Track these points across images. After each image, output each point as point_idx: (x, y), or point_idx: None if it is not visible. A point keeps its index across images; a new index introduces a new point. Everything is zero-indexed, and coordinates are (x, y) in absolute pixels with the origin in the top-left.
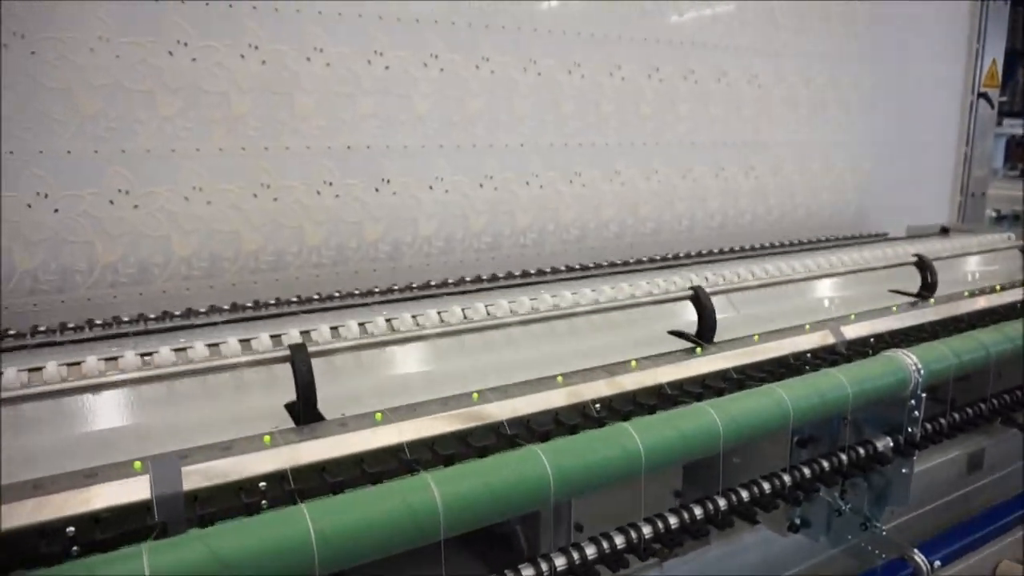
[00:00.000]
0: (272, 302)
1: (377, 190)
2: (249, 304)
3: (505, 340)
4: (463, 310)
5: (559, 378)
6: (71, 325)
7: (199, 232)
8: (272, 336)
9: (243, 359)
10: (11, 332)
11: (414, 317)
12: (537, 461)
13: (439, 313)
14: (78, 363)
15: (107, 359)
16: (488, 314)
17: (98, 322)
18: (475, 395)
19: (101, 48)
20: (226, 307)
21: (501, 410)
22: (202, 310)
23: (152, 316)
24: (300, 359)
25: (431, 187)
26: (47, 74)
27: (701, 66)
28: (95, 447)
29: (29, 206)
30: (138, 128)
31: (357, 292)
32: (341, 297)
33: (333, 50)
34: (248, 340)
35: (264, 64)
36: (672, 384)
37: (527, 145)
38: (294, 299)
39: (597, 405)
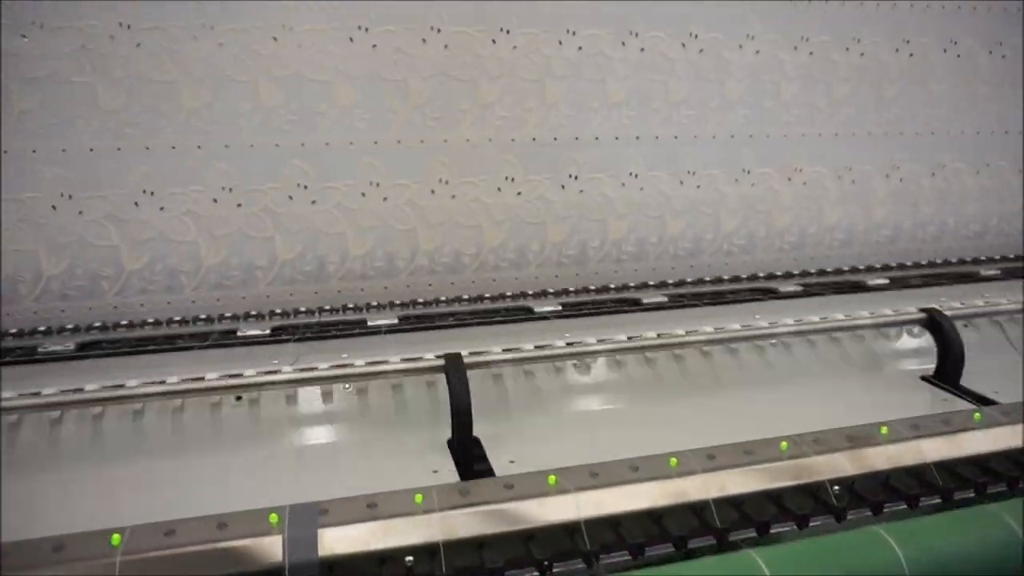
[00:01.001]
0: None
1: (563, 187)
2: (420, 302)
3: (702, 367)
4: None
5: (783, 445)
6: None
7: (375, 230)
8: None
9: (398, 366)
10: (202, 317)
11: (600, 341)
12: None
13: (630, 338)
14: (238, 374)
15: (267, 371)
16: (685, 336)
17: (278, 311)
18: (673, 460)
19: (285, 37)
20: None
21: (706, 486)
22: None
23: (328, 307)
24: (454, 371)
25: (623, 184)
26: (232, 66)
27: (965, 37)
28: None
29: (215, 200)
30: (318, 120)
31: (530, 294)
32: (507, 311)
33: (520, 31)
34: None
35: (447, 48)
36: (945, 465)
37: (738, 136)
38: (465, 301)
39: (836, 488)
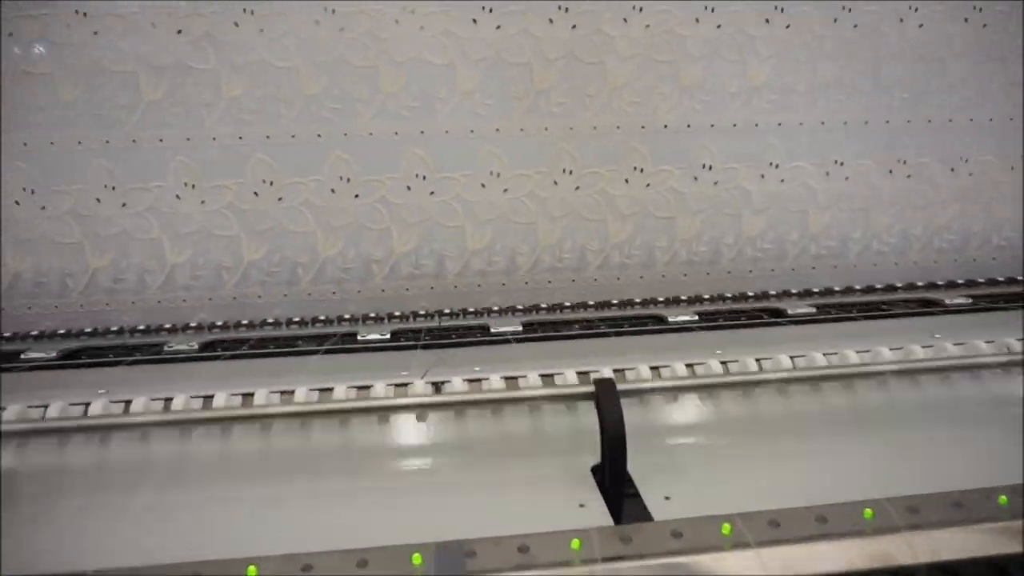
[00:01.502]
0: (567, 317)
1: (696, 179)
2: (543, 307)
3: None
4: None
5: (1001, 499)
6: (371, 315)
7: (494, 223)
8: (580, 373)
9: (543, 391)
10: (320, 319)
11: (759, 361)
12: None
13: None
14: (367, 386)
15: (397, 384)
16: (861, 362)
17: (396, 313)
18: (867, 512)
19: (405, 19)
20: (520, 307)
21: (913, 548)
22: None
23: (447, 311)
24: (607, 400)
25: (763, 175)
26: (352, 51)
27: None
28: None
29: (333, 191)
30: (438, 106)
31: (660, 301)
32: (638, 320)
33: (654, 9)
34: (551, 376)
35: (574, 29)
36: None
37: (894, 122)
38: (591, 307)
39: None
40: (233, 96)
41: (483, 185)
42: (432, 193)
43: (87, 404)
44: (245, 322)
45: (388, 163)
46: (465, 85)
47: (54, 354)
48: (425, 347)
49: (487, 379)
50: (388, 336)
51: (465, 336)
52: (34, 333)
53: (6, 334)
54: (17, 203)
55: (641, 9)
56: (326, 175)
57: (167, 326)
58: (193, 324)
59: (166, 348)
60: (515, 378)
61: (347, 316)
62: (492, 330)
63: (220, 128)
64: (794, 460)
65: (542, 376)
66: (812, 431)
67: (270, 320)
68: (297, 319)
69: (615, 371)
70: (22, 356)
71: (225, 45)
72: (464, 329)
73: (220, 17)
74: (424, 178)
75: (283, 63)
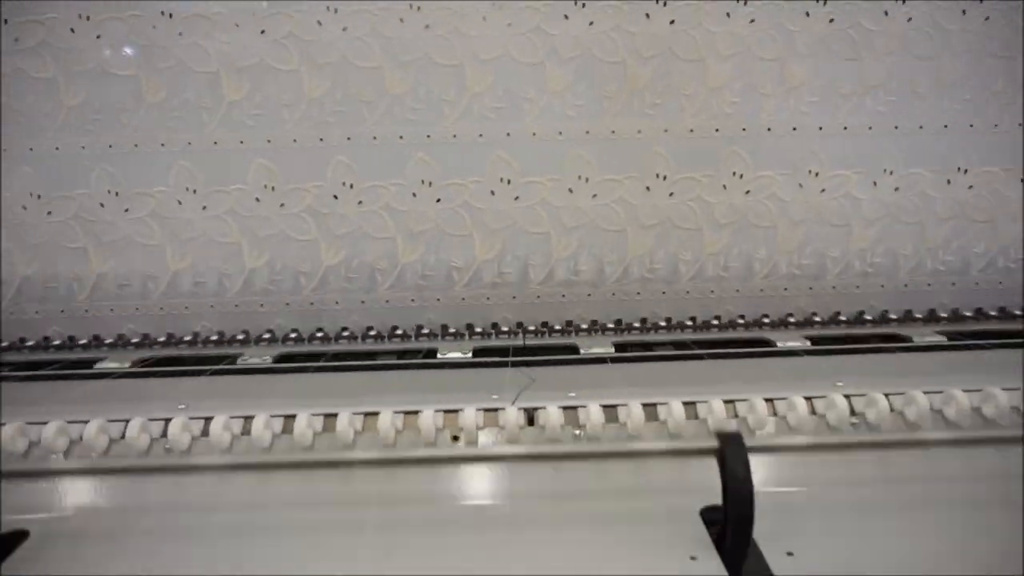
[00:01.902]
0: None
1: (801, 185)
2: (635, 326)
3: None
4: None
5: None
6: (451, 330)
7: (581, 230)
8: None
9: (655, 446)
10: (398, 332)
11: (888, 396)
12: None
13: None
14: (454, 410)
15: (487, 409)
16: None
17: (478, 329)
18: None
19: (493, 16)
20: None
21: None
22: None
23: (532, 328)
24: (735, 458)
25: (875, 183)
26: (438, 50)
27: None
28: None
29: (414, 195)
30: (526, 107)
31: (767, 322)
32: (743, 343)
33: (760, 2)
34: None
35: (673, 24)
36: None
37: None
38: (688, 327)
39: None
40: (315, 97)
41: (571, 190)
42: (517, 198)
43: (167, 420)
44: (321, 333)
45: (472, 166)
46: (555, 85)
47: (127, 365)
48: (515, 365)
49: (583, 407)
50: (471, 354)
51: (553, 354)
52: (108, 341)
53: (82, 341)
54: (102, 205)
55: (746, 2)
56: (408, 178)
57: (239, 337)
58: (271, 328)
59: (241, 361)
60: (614, 406)
61: (426, 330)
62: (583, 352)
63: (300, 130)
64: (932, 523)
65: (644, 406)
66: (951, 491)
67: (345, 332)
68: (374, 332)
69: (725, 402)
70: (96, 366)
71: (309, 45)
72: (552, 349)
73: (305, 16)
74: (509, 182)
75: (366, 63)
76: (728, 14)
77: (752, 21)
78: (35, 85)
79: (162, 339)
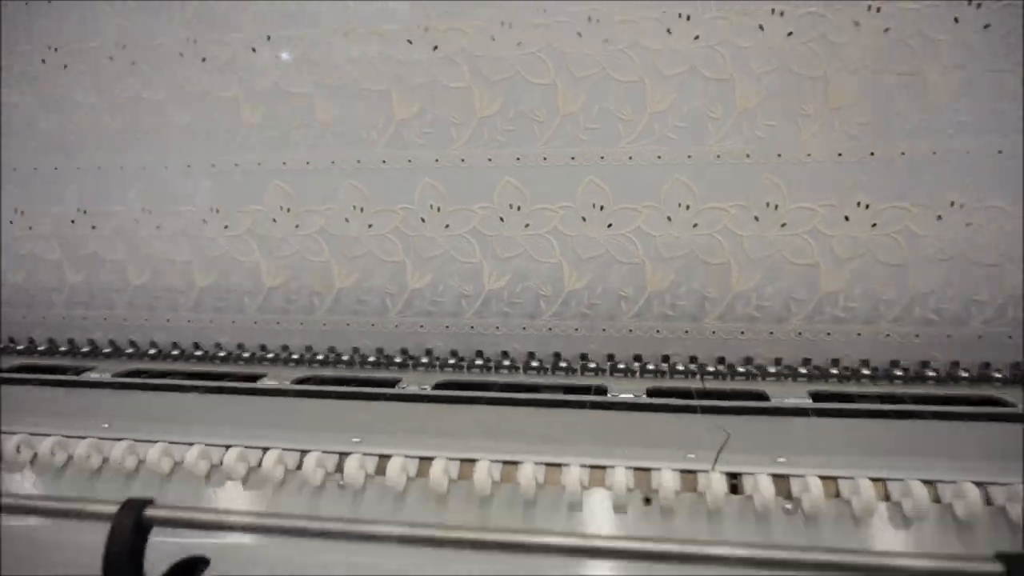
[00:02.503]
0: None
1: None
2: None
3: None
4: None
5: None
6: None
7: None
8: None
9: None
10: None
11: None
12: None
13: None
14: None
15: (684, 470)
16: None
17: (650, 367)
18: None
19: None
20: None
21: None
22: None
23: (711, 369)
24: None
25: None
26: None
27: None
28: None
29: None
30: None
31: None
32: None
33: (893, 7)
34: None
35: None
36: None
37: None
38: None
39: None
40: (486, 115)
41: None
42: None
43: (342, 455)
44: (481, 360)
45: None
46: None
47: (288, 383)
48: (703, 411)
49: (800, 477)
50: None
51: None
52: (271, 355)
53: (245, 354)
54: (274, 220)
55: (879, 9)
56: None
57: (397, 359)
58: (431, 350)
59: (399, 388)
60: (834, 479)
61: (592, 364)
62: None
63: (469, 150)
64: None
65: (872, 480)
66: None
67: (507, 361)
68: (536, 362)
69: (976, 484)
70: (258, 382)
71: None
72: (736, 394)
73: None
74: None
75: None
76: (857, 23)
77: (886, 30)
78: (219, 103)
79: (320, 356)
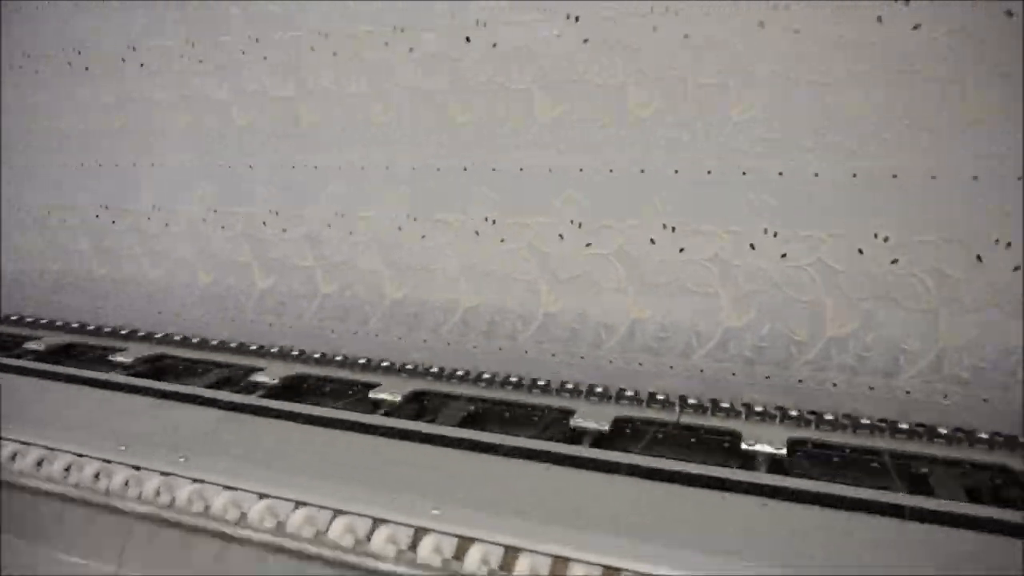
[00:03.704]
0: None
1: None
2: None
3: None
4: None
5: None
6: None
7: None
8: None
9: None
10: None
11: None
12: None
13: None
14: None
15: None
16: None
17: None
18: None
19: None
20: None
21: None
22: None
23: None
24: None
25: None
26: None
27: None
28: None
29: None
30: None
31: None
32: None
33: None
34: None
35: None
36: None
37: None
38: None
39: None
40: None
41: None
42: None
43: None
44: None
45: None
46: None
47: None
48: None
49: None
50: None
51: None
52: (385, 364)
53: (362, 360)
54: (400, 228)
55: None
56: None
57: (539, 382)
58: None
59: (575, 421)
60: None
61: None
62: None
63: (619, 156)
64: None
65: None
66: None
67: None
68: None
69: None
70: (370, 395)
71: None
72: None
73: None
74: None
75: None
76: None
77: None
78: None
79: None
